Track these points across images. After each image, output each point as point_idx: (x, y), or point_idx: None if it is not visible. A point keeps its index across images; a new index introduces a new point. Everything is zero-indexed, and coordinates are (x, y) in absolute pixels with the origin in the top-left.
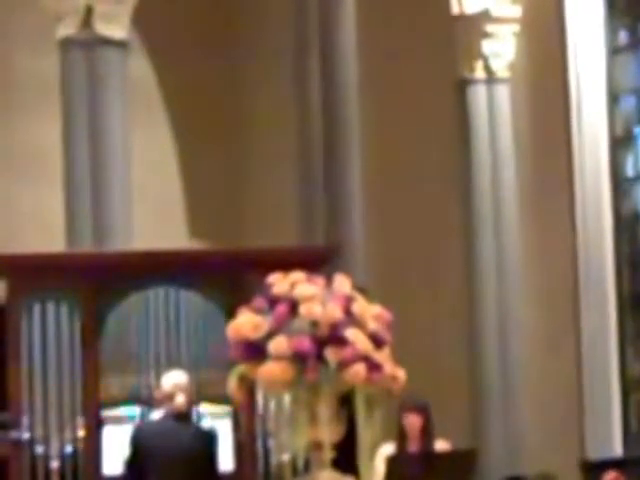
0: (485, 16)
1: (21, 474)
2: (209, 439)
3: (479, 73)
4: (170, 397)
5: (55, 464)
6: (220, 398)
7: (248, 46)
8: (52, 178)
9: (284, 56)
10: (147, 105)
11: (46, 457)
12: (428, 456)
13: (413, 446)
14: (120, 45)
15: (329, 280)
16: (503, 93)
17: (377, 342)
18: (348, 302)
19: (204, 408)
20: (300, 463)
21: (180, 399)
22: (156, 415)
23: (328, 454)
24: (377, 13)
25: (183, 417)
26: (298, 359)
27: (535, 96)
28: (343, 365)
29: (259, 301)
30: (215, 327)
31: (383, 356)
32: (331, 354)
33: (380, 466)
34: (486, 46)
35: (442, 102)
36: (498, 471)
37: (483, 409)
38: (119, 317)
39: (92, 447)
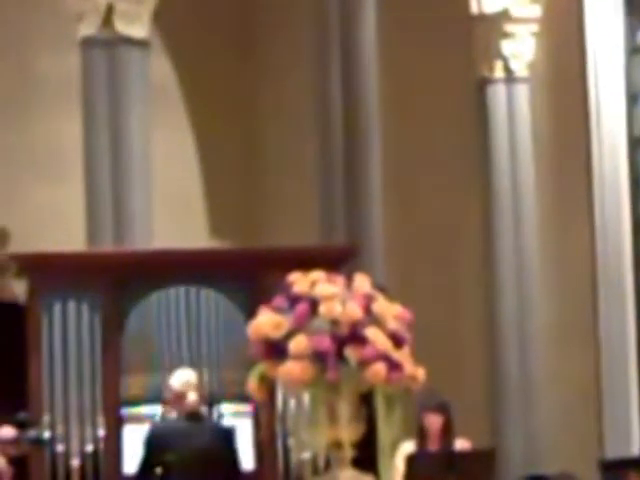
0: (504, 16)
1: (42, 473)
2: (227, 436)
3: (498, 73)
4: (181, 396)
5: (75, 463)
6: (240, 397)
7: (269, 45)
8: (73, 177)
9: (305, 55)
10: (167, 104)
11: (67, 456)
12: (448, 455)
13: (433, 445)
14: (141, 44)
15: (349, 279)
16: (522, 93)
17: (397, 341)
18: (368, 301)
19: (225, 407)
20: (320, 462)
21: (192, 397)
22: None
23: (348, 453)
24: (397, 13)
25: (196, 416)
26: (318, 358)
27: (554, 96)
28: (363, 364)
29: (279, 300)
30: (235, 326)
31: (403, 355)
32: (351, 353)
33: (400, 465)
34: (505, 46)
35: (461, 102)
36: (517, 470)
37: (502, 408)
38: (140, 316)
39: (113, 446)
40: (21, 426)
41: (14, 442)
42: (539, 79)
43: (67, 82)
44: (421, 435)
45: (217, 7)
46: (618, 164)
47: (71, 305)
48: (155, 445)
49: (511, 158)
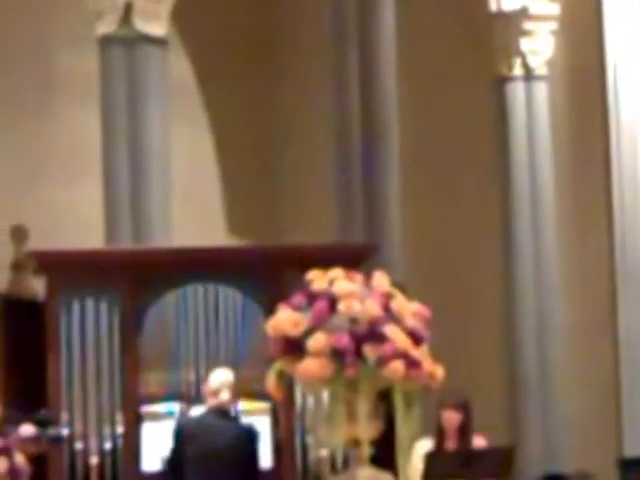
0: (523, 14)
1: (60, 470)
2: (251, 436)
3: (517, 70)
4: (215, 393)
5: (94, 460)
6: (259, 395)
7: (287, 44)
8: (91, 175)
9: (323, 54)
10: (186, 102)
11: (85, 453)
12: (466, 453)
13: (451, 443)
14: (159, 42)
15: (368, 277)
16: (541, 90)
17: (416, 339)
18: (387, 299)
19: (242, 405)
20: (339, 459)
21: (225, 395)
22: (197, 410)
23: (366, 450)
24: (416, 11)
25: (225, 413)
26: (337, 355)
27: (573, 93)
28: (382, 362)
29: (298, 298)
30: (254, 324)
31: (422, 353)
32: (370, 351)
33: (418, 462)
34: (524, 44)
35: (480, 99)
36: (536, 468)
37: (521, 406)
38: (158, 314)
39: (131, 443)
40: (41, 424)
41: (34, 440)
42: (558, 77)
43: (86, 80)
44: (439, 433)
45: (235, 5)
46: (637, 161)
47: (89, 303)
48: (182, 437)
49: (530, 155)
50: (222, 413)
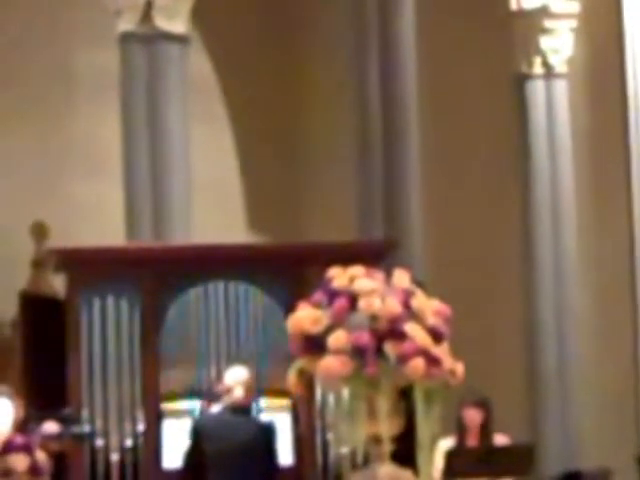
0: (543, 12)
1: (81, 467)
2: (268, 433)
3: (537, 68)
4: (229, 390)
5: (115, 457)
6: (279, 392)
7: (307, 40)
8: (112, 172)
9: (343, 50)
10: (206, 99)
11: (106, 450)
12: (487, 450)
13: (472, 441)
14: (180, 40)
15: (388, 274)
16: (561, 88)
17: (436, 336)
18: (407, 296)
19: (263, 402)
20: (359, 457)
21: (239, 392)
22: (218, 408)
23: (387, 447)
24: (436, 8)
25: (241, 410)
26: (357, 353)
27: (593, 91)
28: (402, 359)
29: (318, 295)
30: (274, 321)
31: (442, 350)
32: (390, 348)
33: (439, 460)
34: (544, 42)
35: (500, 97)
36: (555, 465)
37: (540, 403)
38: (179, 311)
39: (152, 441)
40: (64, 422)
41: (57, 437)
42: (578, 75)
43: (106, 77)
44: (460, 430)
45: (256, 2)
46: None
47: (110, 300)
48: (200, 435)
49: (550, 153)
50: (239, 410)
